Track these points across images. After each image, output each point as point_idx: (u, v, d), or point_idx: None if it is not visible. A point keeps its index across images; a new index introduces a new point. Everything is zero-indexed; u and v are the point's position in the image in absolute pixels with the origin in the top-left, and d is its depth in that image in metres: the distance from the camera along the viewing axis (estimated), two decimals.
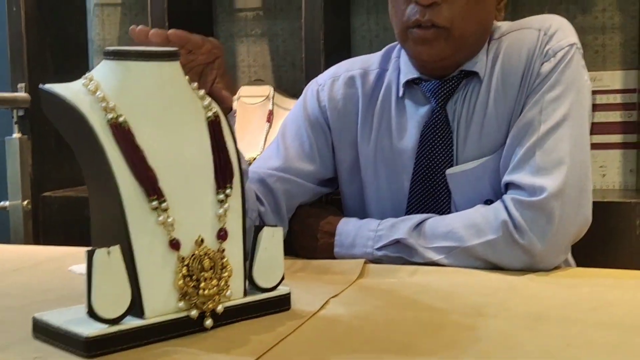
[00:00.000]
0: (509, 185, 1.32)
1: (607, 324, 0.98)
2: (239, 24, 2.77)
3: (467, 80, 1.43)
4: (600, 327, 0.97)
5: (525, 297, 1.13)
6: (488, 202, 1.36)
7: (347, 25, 2.62)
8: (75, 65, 2.67)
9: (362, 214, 1.51)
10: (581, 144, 1.32)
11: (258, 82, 2.64)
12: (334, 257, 1.41)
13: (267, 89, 2.53)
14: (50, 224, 2.51)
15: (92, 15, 2.90)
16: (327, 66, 1.69)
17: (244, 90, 2.56)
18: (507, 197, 1.30)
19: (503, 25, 1.46)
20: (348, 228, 1.41)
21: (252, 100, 2.52)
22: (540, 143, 1.30)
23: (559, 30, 1.38)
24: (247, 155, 2.25)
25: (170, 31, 1.15)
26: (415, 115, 1.45)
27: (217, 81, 1.25)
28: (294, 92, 2.56)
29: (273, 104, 2.49)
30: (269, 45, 2.75)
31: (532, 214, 1.26)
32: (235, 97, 2.52)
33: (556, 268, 1.29)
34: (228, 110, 1.30)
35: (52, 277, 1.32)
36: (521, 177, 1.29)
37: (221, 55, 1.24)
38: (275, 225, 1.07)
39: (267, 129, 2.43)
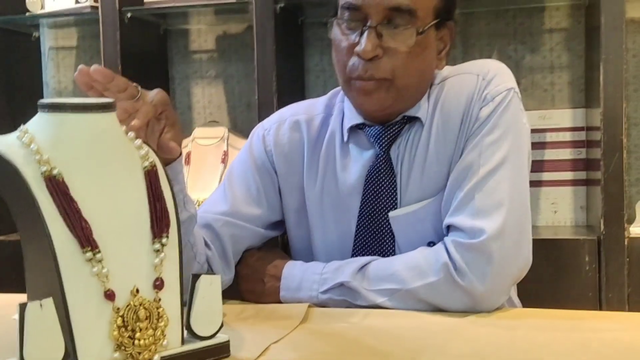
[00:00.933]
0: (449, 228, 1.34)
1: None
2: (194, 65, 2.79)
3: (409, 125, 1.45)
4: None
5: (464, 339, 1.14)
6: (431, 244, 1.38)
7: (300, 66, 2.65)
8: (30, 108, 2.65)
9: (310, 256, 1.52)
10: (520, 186, 1.35)
11: (212, 123, 2.65)
12: (280, 301, 1.41)
13: (222, 130, 2.55)
14: (3, 268, 2.49)
15: (47, 58, 2.90)
16: (280, 107, 1.70)
17: (198, 131, 2.57)
18: (448, 239, 1.32)
19: (444, 70, 1.48)
20: (294, 271, 1.42)
21: (206, 142, 2.54)
22: (480, 186, 1.32)
23: (497, 76, 1.40)
24: (201, 196, 2.26)
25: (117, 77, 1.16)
26: (360, 159, 1.47)
27: (165, 130, 1.25)
28: (249, 133, 2.56)
29: (228, 145, 2.51)
30: (224, 86, 2.76)
31: (472, 256, 1.28)
32: (190, 138, 2.53)
33: (498, 309, 1.31)
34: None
35: None
36: (461, 219, 1.31)
37: (166, 108, 1.24)
38: (214, 273, 1.07)
39: (222, 169, 2.44)
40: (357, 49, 1.37)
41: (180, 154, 1.32)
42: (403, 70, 1.38)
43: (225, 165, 2.45)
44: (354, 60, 1.39)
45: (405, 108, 1.44)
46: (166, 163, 1.27)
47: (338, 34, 1.42)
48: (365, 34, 1.36)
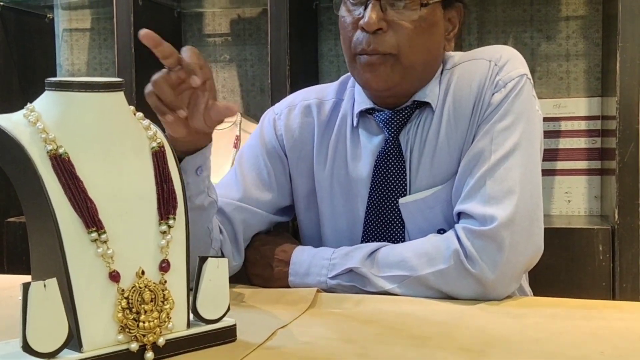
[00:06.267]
0: (460, 215, 1.32)
1: (551, 354, 0.98)
2: (207, 49, 2.77)
3: (419, 111, 1.43)
4: (544, 358, 0.97)
5: (473, 327, 1.13)
6: (441, 231, 1.36)
7: (314, 51, 2.63)
8: (42, 90, 2.65)
9: (319, 242, 1.51)
10: (532, 173, 1.33)
11: None
12: (288, 286, 1.40)
13: (234, 115, 2.53)
14: (15, 250, 2.50)
15: (60, 40, 2.89)
16: (292, 92, 1.69)
17: None
18: (459, 226, 1.30)
19: (455, 56, 1.47)
20: (303, 257, 1.41)
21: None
22: (491, 172, 1.31)
23: (509, 62, 1.39)
24: (213, 180, 2.25)
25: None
26: (369, 144, 1.46)
27: (210, 104, 1.22)
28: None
29: (240, 129, 2.49)
30: (237, 70, 2.75)
31: (483, 243, 1.26)
32: None
33: (508, 297, 1.30)
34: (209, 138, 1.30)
35: (1, 307, 1.30)
36: (472, 206, 1.30)
37: (211, 77, 1.21)
38: (222, 256, 1.07)
39: (234, 154, 2.43)
40: (361, 22, 1.36)
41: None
42: (408, 46, 1.37)
43: (237, 150, 2.44)
44: (358, 34, 1.38)
45: (413, 89, 1.42)
46: (197, 149, 1.27)
47: (343, 11, 1.42)
48: (370, 6, 1.35)
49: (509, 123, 1.33)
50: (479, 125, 1.36)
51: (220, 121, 1.26)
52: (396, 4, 1.36)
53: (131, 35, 2.42)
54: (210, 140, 1.32)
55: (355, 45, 1.38)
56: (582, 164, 2.35)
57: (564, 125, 2.35)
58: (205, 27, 2.78)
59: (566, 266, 2.11)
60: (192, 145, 1.28)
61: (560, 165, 2.35)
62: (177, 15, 2.76)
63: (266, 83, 2.56)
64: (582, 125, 2.34)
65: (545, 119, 2.31)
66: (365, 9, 1.36)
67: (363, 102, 1.47)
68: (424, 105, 1.43)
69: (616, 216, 2.07)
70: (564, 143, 2.35)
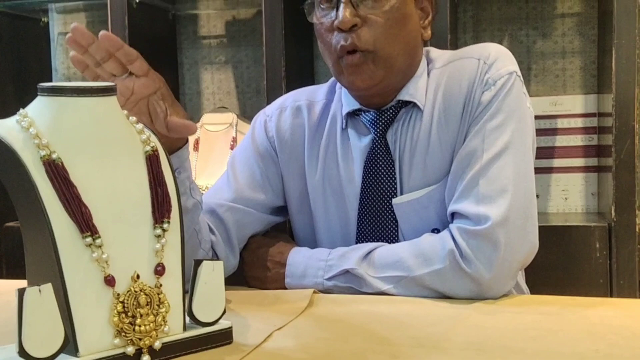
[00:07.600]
0: (454, 215, 1.32)
1: (546, 353, 0.98)
2: (203, 51, 2.78)
3: (405, 110, 1.43)
4: (539, 356, 0.97)
5: (469, 326, 1.13)
6: (435, 231, 1.36)
7: (309, 52, 2.64)
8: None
9: (313, 243, 1.51)
10: (524, 171, 1.33)
11: (221, 109, 2.64)
12: (285, 288, 1.40)
13: (231, 116, 2.53)
14: (14, 255, 2.50)
15: (55, 44, 2.89)
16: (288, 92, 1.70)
17: (207, 117, 2.56)
18: (453, 226, 1.30)
19: (444, 55, 1.47)
20: (299, 258, 1.41)
21: (215, 128, 2.52)
22: (484, 172, 1.31)
23: (498, 59, 1.38)
24: (209, 182, 2.25)
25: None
26: (359, 145, 1.46)
27: (169, 113, 1.24)
28: None
29: (236, 131, 2.49)
30: (233, 72, 2.75)
31: (478, 243, 1.26)
32: (199, 124, 2.52)
33: (505, 296, 1.30)
34: (184, 139, 1.30)
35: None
36: (466, 206, 1.30)
37: (162, 85, 1.24)
38: (219, 259, 1.07)
39: None
40: (336, 22, 1.37)
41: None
42: (384, 39, 1.37)
43: None
44: (336, 36, 1.39)
45: (398, 83, 1.42)
46: (173, 150, 1.27)
47: (318, 17, 1.42)
48: (342, 6, 1.36)
49: (500, 121, 1.33)
50: (470, 124, 1.36)
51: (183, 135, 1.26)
52: (366, 0, 1.36)
53: (126, 38, 2.42)
54: (187, 141, 1.32)
55: (335, 46, 1.39)
56: (578, 162, 2.36)
57: (561, 123, 2.35)
58: (200, 29, 2.79)
59: (563, 263, 2.12)
60: (166, 147, 1.27)
61: (557, 162, 2.36)
62: (171, 18, 2.76)
63: (262, 84, 2.57)
64: (579, 122, 2.35)
65: (542, 117, 2.32)
66: (337, 10, 1.37)
67: (350, 103, 1.47)
68: (410, 104, 1.43)
69: (613, 213, 2.07)
70: (561, 141, 2.36)
